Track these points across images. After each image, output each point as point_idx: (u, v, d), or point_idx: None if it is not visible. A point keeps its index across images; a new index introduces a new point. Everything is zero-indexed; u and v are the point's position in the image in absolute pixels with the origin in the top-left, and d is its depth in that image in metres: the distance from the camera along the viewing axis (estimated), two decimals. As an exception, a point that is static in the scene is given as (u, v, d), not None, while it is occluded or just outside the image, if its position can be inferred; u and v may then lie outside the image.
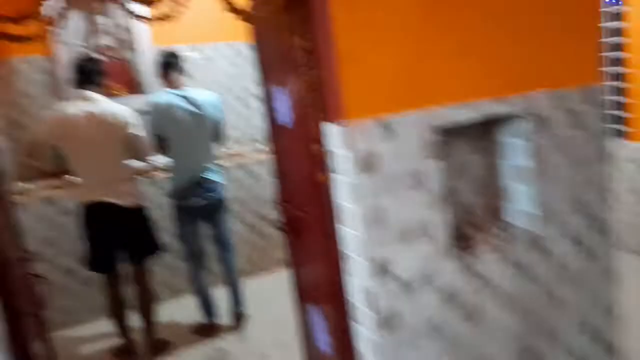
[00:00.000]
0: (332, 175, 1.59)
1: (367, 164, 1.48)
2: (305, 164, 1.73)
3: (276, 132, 2.04)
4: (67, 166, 2.68)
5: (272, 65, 1.92)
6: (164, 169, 3.42)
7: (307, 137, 1.64)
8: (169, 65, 2.76)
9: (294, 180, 1.97)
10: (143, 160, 2.79)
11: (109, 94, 3.65)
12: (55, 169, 2.73)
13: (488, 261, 1.73)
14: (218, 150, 3.63)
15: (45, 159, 2.62)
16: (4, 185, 1.72)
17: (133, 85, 3.84)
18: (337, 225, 1.63)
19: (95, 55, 3.31)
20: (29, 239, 3.03)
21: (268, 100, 2.06)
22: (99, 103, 2.59)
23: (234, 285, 3.02)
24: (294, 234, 2.07)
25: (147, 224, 2.77)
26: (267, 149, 4.07)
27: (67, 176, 3.24)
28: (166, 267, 3.46)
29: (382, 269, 1.55)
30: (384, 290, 1.57)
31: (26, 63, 3.62)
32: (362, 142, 1.47)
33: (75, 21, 3.65)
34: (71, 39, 3.61)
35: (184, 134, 2.74)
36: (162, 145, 2.81)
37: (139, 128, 2.66)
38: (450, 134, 1.67)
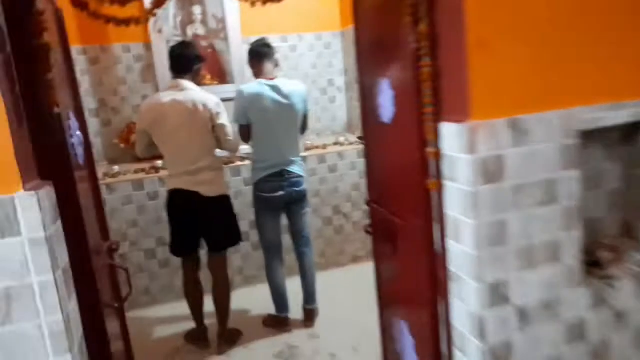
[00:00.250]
0: (444, 183, 1.39)
1: (490, 172, 1.27)
2: (407, 166, 1.55)
3: (373, 128, 1.88)
4: (158, 152, 2.71)
5: (375, 54, 1.75)
6: (247, 158, 3.41)
7: (414, 136, 1.45)
8: (262, 54, 2.70)
9: (391, 183, 1.80)
10: (229, 150, 2.76)
11: (201, 83, 3.73)
12: (148, 155, 2.76)
13: (624, 291, 1.45)
14: (302, 142, 3.54)
15: (141, 145, 2.66)
16: (94, 173, 1.70)
17: (223, 75, 3.86)
18: (444, 240, 1.44)
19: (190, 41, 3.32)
20: (115, 220, 3.28)
21: (365, 93, 1.90)
22: (188, 91, 2.57)
23: (309, 281, 2.92)
24: (384, 240, 1.91)
25: (229, 214, 2.74)
26: (348, 142, 4.03)
27: (158, 162, 3.33)
28: (242, 254, 3.45)
29: (496, 294, 1.34)
30: (496, 317, 1.36)
31: (125, 50, 3.75)
32: (487, 145, 1.26)
33: (172, 10, 3.73)
34: (168, 27, 3.69)
35: (270, 124, 2.67)
36: (246, 134, 2.76)
37: (225, 118, 2.61)
38: (586, 139, 1.41)
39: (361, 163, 3.63)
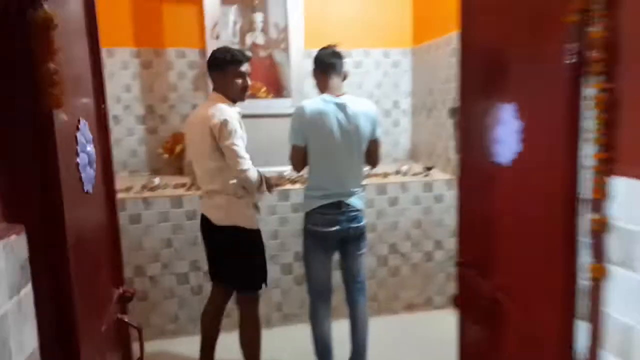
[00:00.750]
0: (609, 268, 0.92)
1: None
2: (538, 231, 1.10)
3: (477, 168, 1.43)
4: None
5: (494, 70, 1.31)
6: (297, 181, 3.04)
7: (556, 189, 1.01)
8: (330, 65, 2.31)
9: (501, 247, 1.32)
10: (239, 179, 2.20)
11: (253, 95, 3.44)
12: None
13: None
14: (366, 172, 3.16)
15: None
16: (112, 199, 1.36)
17: (279, 88, 3.54)
18: (594, 351, 0.95)
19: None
20: (149, 238, 2.90)
21: (469, 122, 1.48)
22: (204, 105, 2.28)
23: (360, 336, 2.45)
24: (478, 322, 1.44)
25: (243, 251, 2.28)
26: (412, 172, 3.58)
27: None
28: (282, 289, 3.04)
29: None
30: None
31: (180, 55, 3.53)
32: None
33: (233, 16, 3.48)
34: (227, 34, 3.43)
35: (331, 147, 2.27)
36: (301, 158, 2.36)
37: (232, 138, 2.12)
38: None
39: (426, 198, 3.17)
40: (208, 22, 3.20)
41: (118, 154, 3.50)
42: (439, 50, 3.42)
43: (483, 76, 1.37)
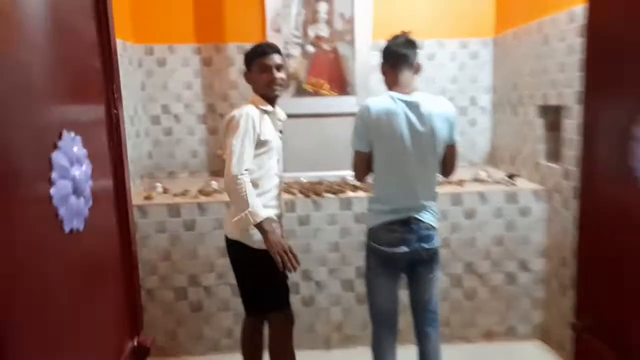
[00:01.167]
0: None
1: None
2: None
3: (611, 191, 1.08)
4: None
5: None
6: (360, 188, 2.75)
7: None
8: (402, 58, 1.98)
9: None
10: (224, 180, 1.94)
11: (316, 92, 3.20)
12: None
13: None
14: (440, 181, 2.82)
15: None
16: (128, 234, 1.13)
17: (343, 85, 3.26)
18: None
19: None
20: (204, 246, 2.64)
21: (596, 130, 1.12)
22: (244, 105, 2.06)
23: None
24: None
25: (244, 270, 2.06)
26: (492, 179, 3.17)
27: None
28: (343, 307, 2.77)
29: None
30: None
31: (241, 50, 3.34)
32: None
33: (295, 7, 3.23)
34: (288, 27, 3.20)
35: (401, 153, 1.95)
36: (365, 165, 2.05)
37: (233, 137, 1.88)
38: None
39: (509, 210, 2.76)
40: (269, 15, 2.98)
41: (179, 154, 3.40)
42: (526, 38, 2.97)
43: (625, 69, 1.01)
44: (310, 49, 3.21)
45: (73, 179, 0.82)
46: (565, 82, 2.53)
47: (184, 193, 2.77)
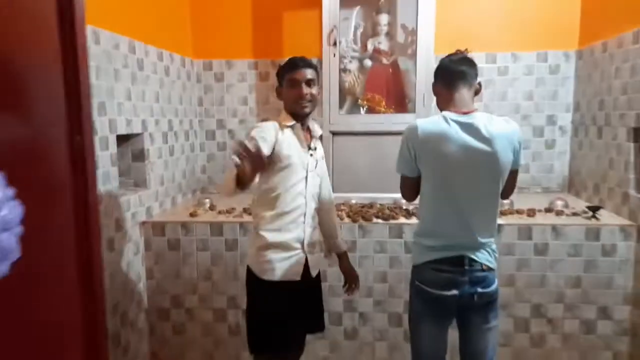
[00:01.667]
0: None
1: None
2: None
3: None
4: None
5: None
6: (414, 214, 2.52)
7: None
8: (457, 75, 1.75)
9: None
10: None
11: (375, 110, 3.02)
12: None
13: None
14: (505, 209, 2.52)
15: None
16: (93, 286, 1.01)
17: (402, 101, 3.05)
18: None
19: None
20: (244, 266, 2.49)
21: None
22: None
23: None
24: None
25: (248, 296, 1.90)
26: (570, 211, 2.79)
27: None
28: (390, 343, 2.53)
29: None
30: None
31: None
32: None
33: (354, 20, 3.10)
34: (347, 40, 3.07)
35: (454, 181, 1.70)
36: (413, 191, 1.83)
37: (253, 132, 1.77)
38: None
39: (590, 248, 2.39)
40: (325, 28, 2.86)
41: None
42: (618, 50, 2.58)
43: None
44: (368, 63, 3.05)
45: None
46: (664, 102, 2.14)
47: (229, 211, 2.71)
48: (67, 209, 0.92)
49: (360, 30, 3.09)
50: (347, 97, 3.06)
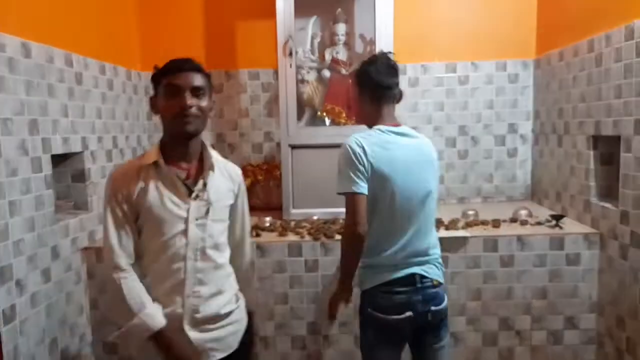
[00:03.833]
0: None
1: None
2: None
3: None
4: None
5: None
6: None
7: None
8: (388, 90, 1.66)
9: None
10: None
11: (335, 121, 2.92)
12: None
13: None
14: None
15: None
16: None
17: (362, 111, 2.97)
18: None
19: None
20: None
21: None
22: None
23: None
24: None
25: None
26: (533, 220, 2.72)
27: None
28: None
29: None
30: None
31: (252, 77, 3.15)
32: None
33: (311, 29, 3.01)
34: (304, 50, 2.97)
35: (399, 192, 1.58)
36: (364, 210, 1.59)
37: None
38: None
39: (554, 258, 2.35)
40: (280, 38, 2.75)
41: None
42: (574, 59, 2.58)
43: None
44: (327, 73, 2.95)
45: None
46: (623, 109, 2.13)
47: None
48: None
49: (317, 40, 3.00)
50: (306, 108, 2.95)
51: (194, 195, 1.38)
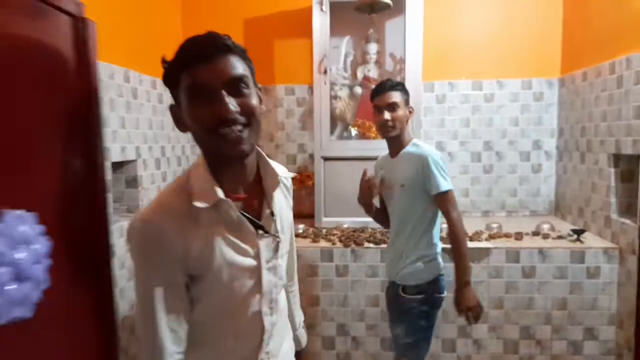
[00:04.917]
0: None
1: None
2: None
3: None
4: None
5: None
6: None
7: None
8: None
9: None
10: None
11: (365, 135, 3.09)
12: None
13: None
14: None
15: None
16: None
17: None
18: None
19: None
20: (351, 295, 2.50)
21: None
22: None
23: None
24: None
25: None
26: (555, 234, 2.82)
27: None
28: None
29: None
30: None
31: (288, 92, 3.35)
32: None
33: (344, 48, 3.19)
34: (338, 68, 3.16)
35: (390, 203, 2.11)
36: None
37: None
38: None
39: (575, 271, 2.45)
40: (316, 56, 2.94)
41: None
42: (596, 80, 2.69)
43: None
44: (358, 90, 3.13)
45: (15, 264, 0.74)
46: (642, 130, 2.24)
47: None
48: (84, 243, 0.96)
49: (350, 58, 3.19)
50: (338, 122, 3.13)
51: (261, 232, 0.95)
